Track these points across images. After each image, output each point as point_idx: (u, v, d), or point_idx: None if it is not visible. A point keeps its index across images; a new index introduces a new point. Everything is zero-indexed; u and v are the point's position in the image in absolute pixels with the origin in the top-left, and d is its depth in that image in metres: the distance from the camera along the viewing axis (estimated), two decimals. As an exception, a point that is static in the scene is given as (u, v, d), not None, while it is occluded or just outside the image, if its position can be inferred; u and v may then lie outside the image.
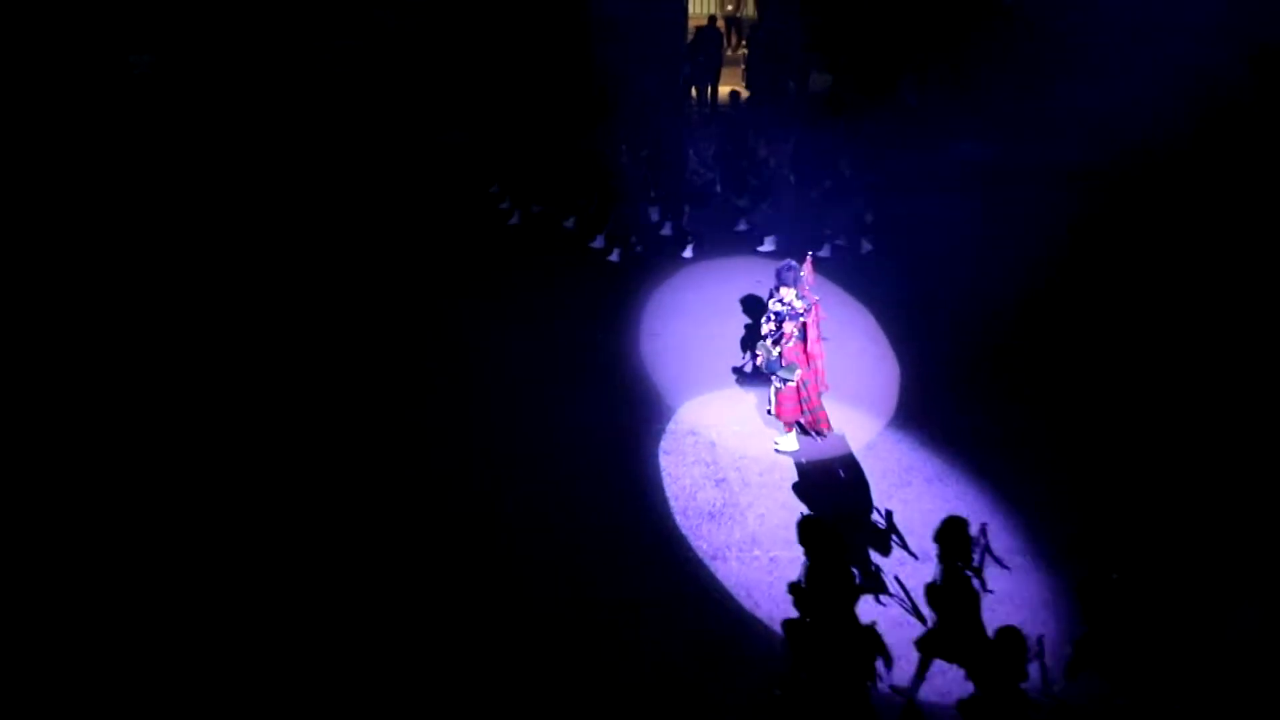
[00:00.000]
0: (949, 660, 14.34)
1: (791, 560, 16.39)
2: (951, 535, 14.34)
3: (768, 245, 26.95)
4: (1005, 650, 12.98)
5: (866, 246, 26.91)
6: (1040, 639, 13.33)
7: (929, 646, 14.62)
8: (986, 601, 14.59)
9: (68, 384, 22.61)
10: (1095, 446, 19.98)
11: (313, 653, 15.73)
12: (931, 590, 14.61)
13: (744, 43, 38.84)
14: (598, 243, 28.37)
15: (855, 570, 14.20)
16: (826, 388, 19.55)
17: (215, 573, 17.31)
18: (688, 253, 27.58)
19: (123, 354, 23.72)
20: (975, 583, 14.40)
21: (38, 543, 17.86)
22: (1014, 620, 14.08)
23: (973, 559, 14.57)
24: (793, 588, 14.19)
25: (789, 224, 27.02)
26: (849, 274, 25.45)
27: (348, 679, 15.30)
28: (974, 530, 14.54)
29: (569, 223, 29.60)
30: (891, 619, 15.67)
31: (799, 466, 19.16)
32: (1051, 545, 17.35)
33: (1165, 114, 29.58)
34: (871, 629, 13.55)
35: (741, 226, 28.56)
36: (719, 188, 29.91)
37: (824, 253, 25.51)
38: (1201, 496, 18.55)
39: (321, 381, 22.57)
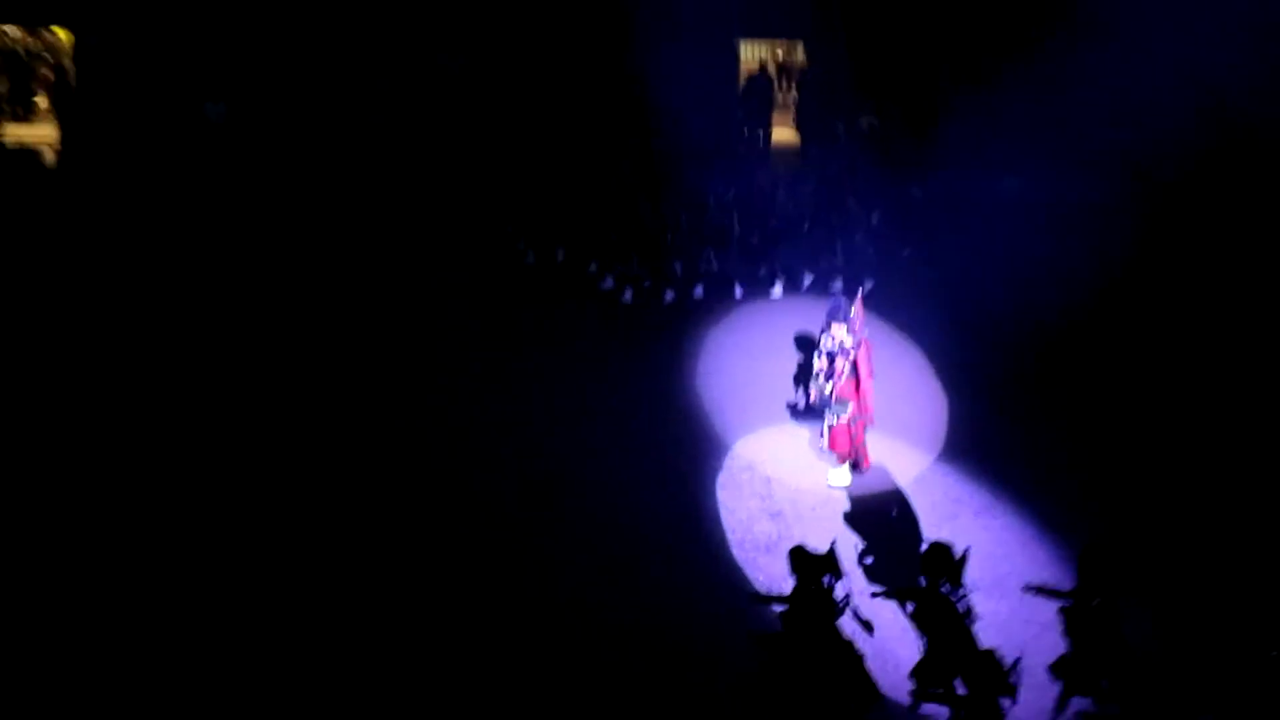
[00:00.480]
0: (940, 684, 15.18)
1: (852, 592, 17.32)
2: (936, 561, 15.48)
3: (779, 291, 28.20)
4: (988, 671, 13.76)
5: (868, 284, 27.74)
6: (1018, 660, 14.42)
7: (922, 671, 15.44)
8: (1033, 630, 15.73)
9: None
10: (1128, 466, 20.90)
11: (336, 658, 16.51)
12: (919, 614, 15.78)
13: (794, 88, 39.88)
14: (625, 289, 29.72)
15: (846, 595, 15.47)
16: (873, 423, 20.38)
17: (220, 574, 18.18)
18: (739, 293, 28.73)
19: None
20: (960, 605, 15.26)
21: (39, 543, 18.72)
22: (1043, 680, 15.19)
23: (961, 583, 15.44)
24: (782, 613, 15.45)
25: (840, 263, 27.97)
26: (894, 308, 26.08)
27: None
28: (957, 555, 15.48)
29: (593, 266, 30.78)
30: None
31: (851, 500, 19.94)
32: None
33: (1191, 151, 30.73)
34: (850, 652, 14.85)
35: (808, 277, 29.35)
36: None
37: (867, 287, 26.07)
38: (1246, 522, 19.02)
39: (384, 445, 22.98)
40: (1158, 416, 22.49)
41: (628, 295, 29.54)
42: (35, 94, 42.89)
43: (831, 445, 20.15)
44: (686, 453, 21.73)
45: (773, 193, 32.34)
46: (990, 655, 14.72)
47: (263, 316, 28.39)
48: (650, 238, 30.84)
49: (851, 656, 15.34)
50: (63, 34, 42.37)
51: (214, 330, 27.34)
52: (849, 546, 18.24)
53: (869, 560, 18.27)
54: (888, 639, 16.49)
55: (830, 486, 20.10)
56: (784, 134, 37.69)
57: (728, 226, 30.99)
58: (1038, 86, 32.09)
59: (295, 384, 24.84)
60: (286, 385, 24.82)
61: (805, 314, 24.15)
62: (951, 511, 19.61)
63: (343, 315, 28.53)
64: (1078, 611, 15.32)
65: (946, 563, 15.68)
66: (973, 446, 21.54)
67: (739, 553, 18.85)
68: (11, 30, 42.82)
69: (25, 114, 42.13)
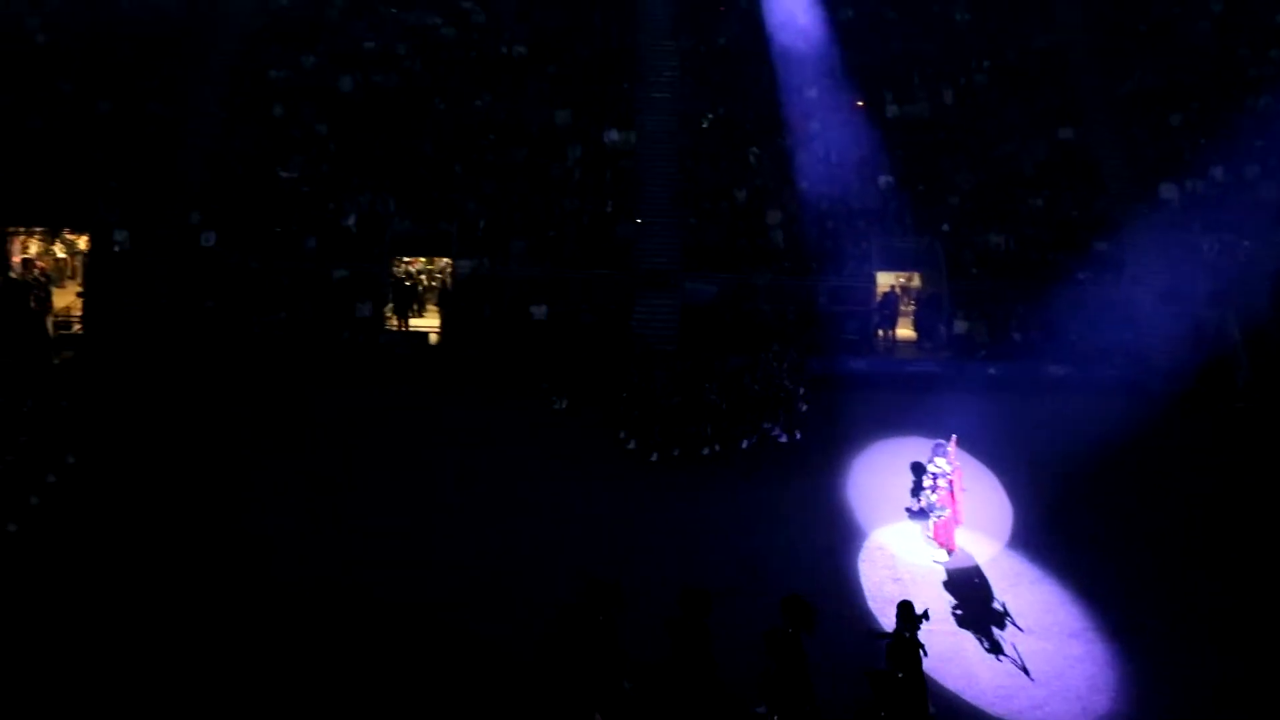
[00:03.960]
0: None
1: (945, 632, 25.08)
2: (905, 614, 21.83)
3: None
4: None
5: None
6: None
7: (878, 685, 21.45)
8: (1069, 662, 23.74)
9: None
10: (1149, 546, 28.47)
11: None
12: (890, 650, 21.61)
13: (913, 302, 44.90)
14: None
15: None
16: (961, 522, 28.14)
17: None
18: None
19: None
20: (921, 650, 21.57)
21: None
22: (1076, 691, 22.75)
23: (918, 630, 21.69)
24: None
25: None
26: (975, 449, 31.78)
27: None
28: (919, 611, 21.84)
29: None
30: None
31: (948, 571, 27.42)
32: (1112, 627, 25.25)
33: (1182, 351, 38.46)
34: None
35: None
36: None
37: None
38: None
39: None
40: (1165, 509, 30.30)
41: (654, 457, 33.97)
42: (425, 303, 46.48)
43: (935, 536, 28.18)
44: (840, 538, 28.83)
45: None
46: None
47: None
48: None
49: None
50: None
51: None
52: (946, 602, 26.04)
53: (959, 613, 25.73)
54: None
55: (935, 562, 27.79)
56: (905, 332, 43.43)
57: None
58: (1070, 312, 39.92)
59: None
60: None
61: (917, 453, 30.70)
62: (1014, 580, 27.12)
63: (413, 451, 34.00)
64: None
65: (910, 616, 21.99)
66: (1029, 539, 28.87)
67: (872, 605, 26.13)
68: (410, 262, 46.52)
69: (417, 313, 45.43)
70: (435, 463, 33.11)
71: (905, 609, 21.97)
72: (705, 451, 33.53)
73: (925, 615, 22.03)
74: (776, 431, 34.36)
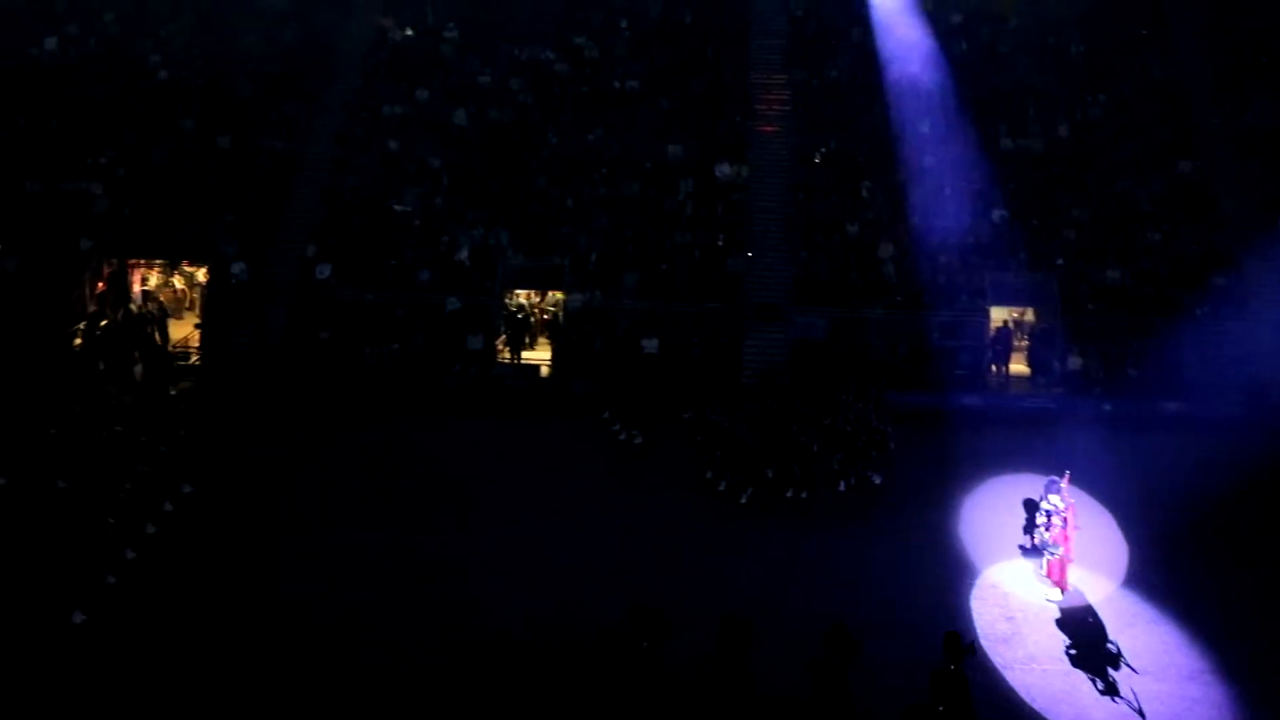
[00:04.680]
0: None
1: (1059, 672, 24.88)
2: (950, 645, 21.67)
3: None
4: None
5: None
6: None
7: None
8: (1186, 704, 23.42)
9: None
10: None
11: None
12: (934, 681, 21.37)
13: (1026, 337, 44.22)
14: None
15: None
16: (1074, 560, 27.74)
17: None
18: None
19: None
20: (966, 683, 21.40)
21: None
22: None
23: (963, 659, 21.54)
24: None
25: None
26: (1090, 484, 30.88)
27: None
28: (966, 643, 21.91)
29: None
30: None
31: (1062, 610, 27.08)
32: (1231, 669, 24.79)
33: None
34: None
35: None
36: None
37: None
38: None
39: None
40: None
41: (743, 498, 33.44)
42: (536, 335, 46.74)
43: (1048, 574, 27.85)
44: (952, 576, 28.61)
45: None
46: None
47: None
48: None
49: None
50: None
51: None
52: (1059, 642, 25.75)
53: (1073, 653, 25.39)
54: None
55: (1047, 600, 27.45)
56: (1018, 367, 42.92)
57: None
58: (1188, 348, 39.40)
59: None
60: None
61: (1030, 489, 30.25)
62: (1130, 620, 26.73)
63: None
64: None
65: (956, 647, 21.86)
66: (1145, 578, 28.40)
67: (985, 642, 25.75)
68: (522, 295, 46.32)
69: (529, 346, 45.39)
70: (518, 493, 33.44)
71: (951, 640, 21.82)
72: (790, 494, 32.86)
73: (972, 647, 22.07)
74: (870, 473, 33.52)
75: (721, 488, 33.28)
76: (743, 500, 32.85)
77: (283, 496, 32.92)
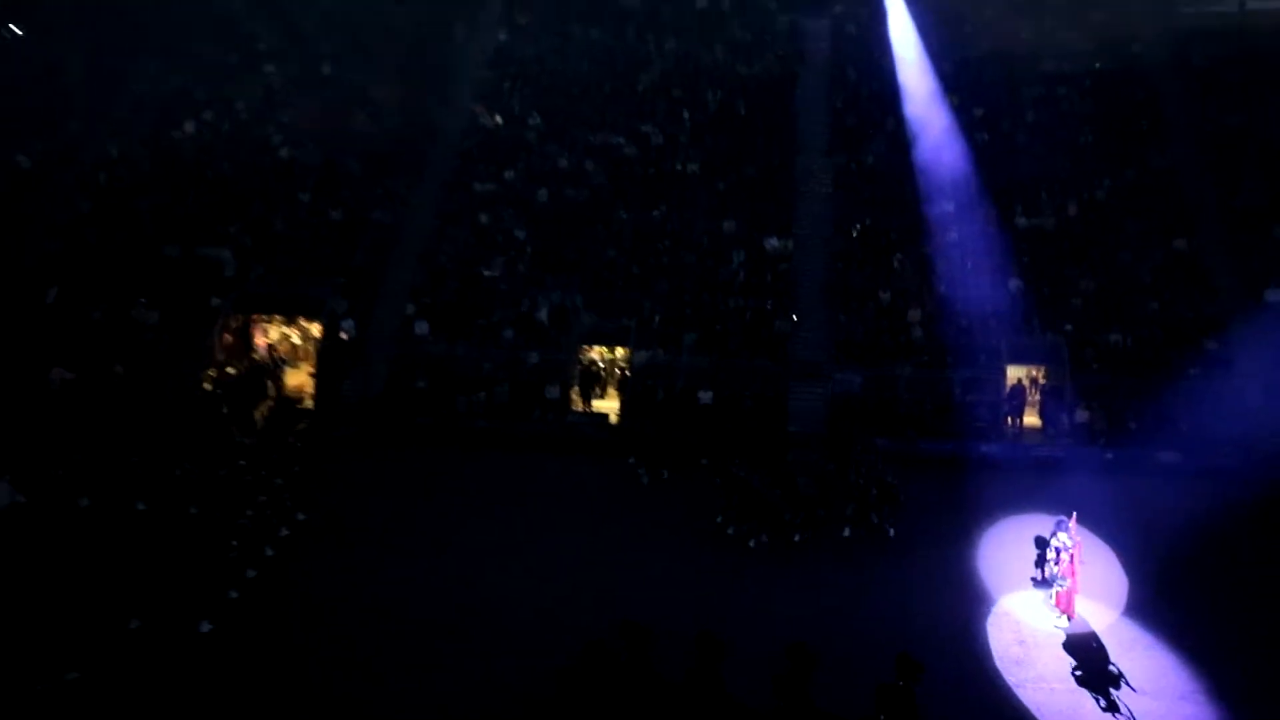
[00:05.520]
0: None
1: (1065, 691, 25.10)
2: (901, 664, 20.98)
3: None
4: None
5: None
6: None
7: None
8: None
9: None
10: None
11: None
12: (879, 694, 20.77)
13: (1038, 393, 43.40)
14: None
15: None
16: (1078, 590, 27.91)
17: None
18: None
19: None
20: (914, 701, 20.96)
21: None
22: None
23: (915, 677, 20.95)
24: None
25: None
26: (1094, 525, 31.26)
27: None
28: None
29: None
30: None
31: (1069, 635, 27.30)
32: (1220, 690, 25.06)
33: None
34: None
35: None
36: None
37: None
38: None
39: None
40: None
41: (752, 543, 33.08)
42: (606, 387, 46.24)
43: (1057, 603, 28.08)
44: (968, 604, 28.87)
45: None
46: None
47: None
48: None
49: None
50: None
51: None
52: (1066, 664, 25.97)
53: (1078, 673, 25.67)
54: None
55: (1056, 626, 27.67)
56: (1031, 420, 42.60)
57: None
58: (1183, 404, 39.07)
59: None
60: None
61: (1041, 528, 30.36)
62: (1129, 645, 26.91)
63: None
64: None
65: (908, 667, 21.25)
66: (1143, 608, 28.54)
67: (999, 664, 26.27)
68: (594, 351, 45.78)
69: (600, 396, 45.17)
70: (566, 519, 34.21)
71: (902, 659, 21.35)
72: (797, 538, 32.56)
73: (920, 668, 21.36)
74: (880, 522, 33.09)
75: (730, 532, 32.90)
76: (751, 545, 32.49)
77: (383, 523, 33.47)
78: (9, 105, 54.86)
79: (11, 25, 59.65)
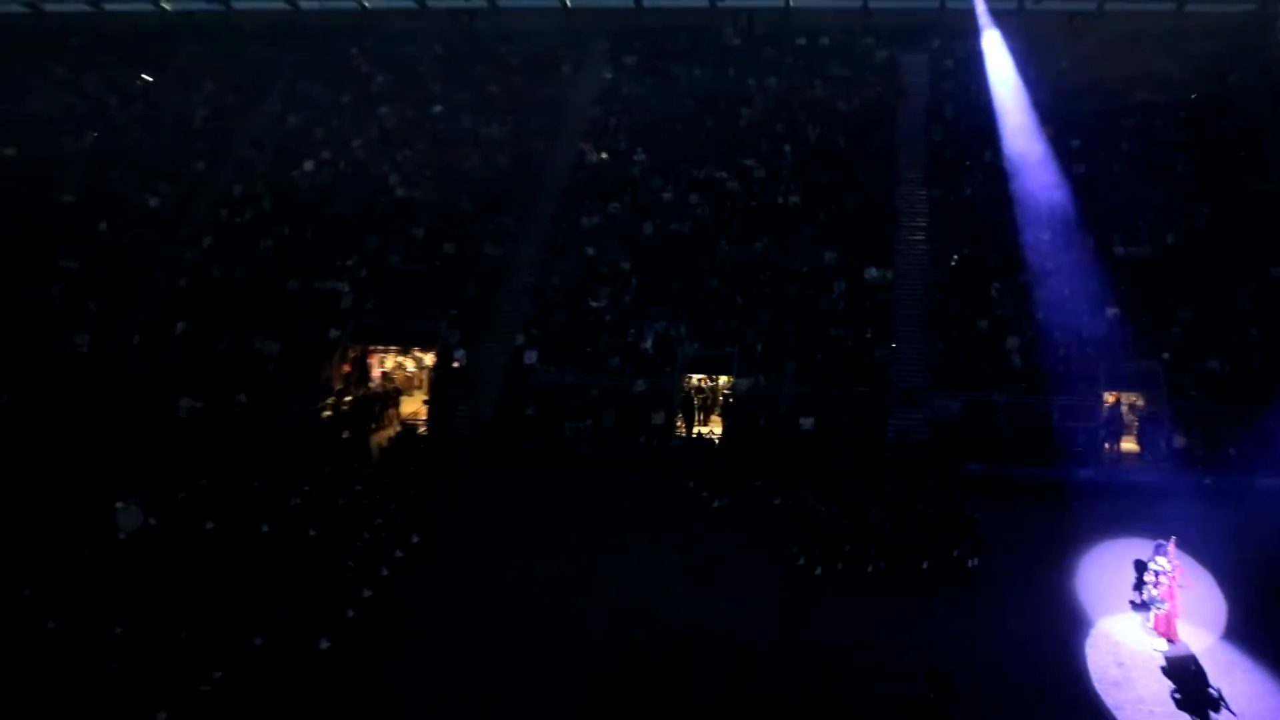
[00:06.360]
0: None
1: (1164, 714, 24.77)
2: (932, 678, 22.06)
3: None
4: None
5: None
6: None
7: None
8: None
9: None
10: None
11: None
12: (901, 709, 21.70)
13: (1136, 419, 42.73)
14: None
15: None
16: (1179, 615, 27.55)
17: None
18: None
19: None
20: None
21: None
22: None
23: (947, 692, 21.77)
24: None
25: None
26: (1194, 550, 30.73)
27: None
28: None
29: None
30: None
31: (1168, 659, 26.86)
32: None
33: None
34: None
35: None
36: None
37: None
38: None
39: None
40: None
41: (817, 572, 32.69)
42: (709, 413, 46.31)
43: (1155, 626, 27.71)
44: (1070, 626, 28.48)
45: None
46: None
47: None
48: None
49: None
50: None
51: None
52: (1165, 687, 25.58)
53: (1177, 696, 25.23)
54: None
55: (1155, 649, 27.27)
56: (1129, 445, 41.77)
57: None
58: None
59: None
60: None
61: (1140, 552, 29.89)
62: (1228, 669, 26.37)
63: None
64: None
65: (943, 681, 22.14)
66: (1242, 631, 27.97)
67: (1098, 686, 25.94)
68: (697, 378, 45.98)
69: (703, 422, 45.30)
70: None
71: (933, 673, 22.12)
72: (870, 569, 31.93)
73: (950, 683, 22.21)
74: (960, 554, 32.28)
75: (801, 562, 32.37)
76: (816, 572, 32.00)
77: (493, 546, 33.99)
78: (140, 149, 57.33)
79: (144, 75, 61.67)
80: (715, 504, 37.52)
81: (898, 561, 32.18)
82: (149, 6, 66.26)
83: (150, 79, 62.77)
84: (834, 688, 22.38)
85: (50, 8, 66.60)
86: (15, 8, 66.59)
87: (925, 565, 32.11)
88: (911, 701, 22.19)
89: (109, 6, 66.26)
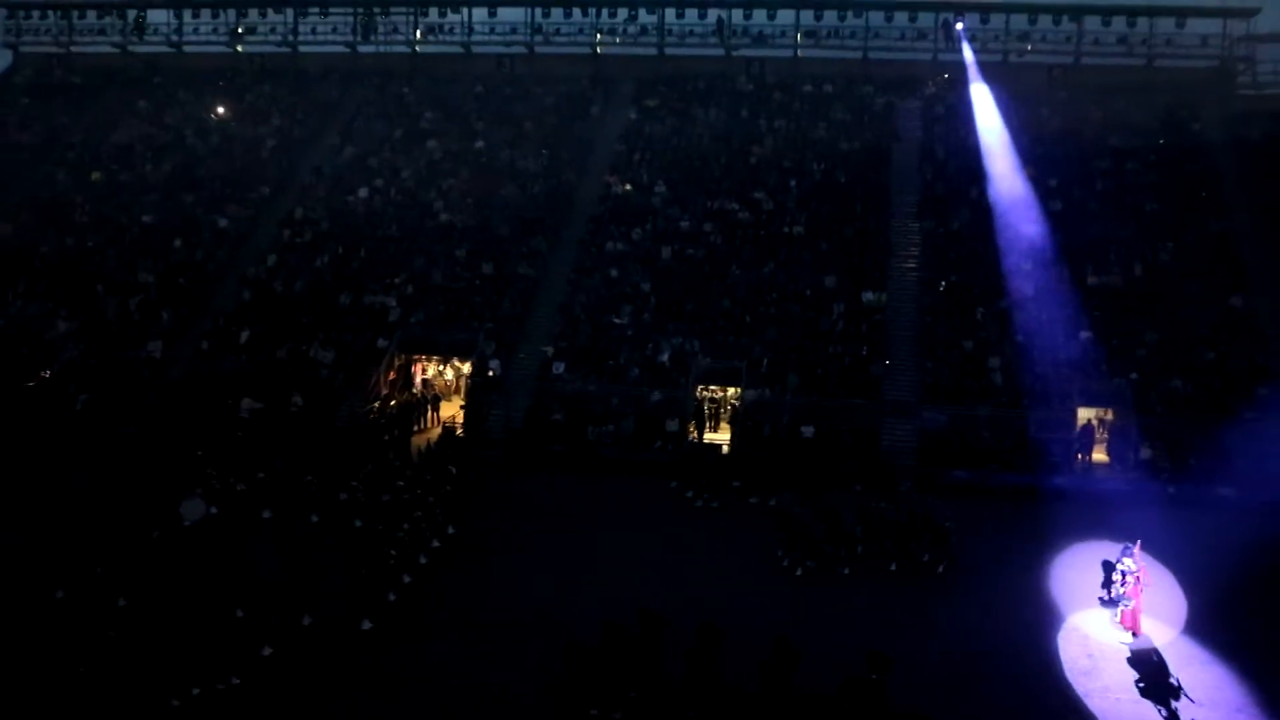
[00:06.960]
0: None
1: (1129, 700, 24.38)
2: (873, 660, 21.84)
3: None
4: None
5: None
6: None
7: None
8: None
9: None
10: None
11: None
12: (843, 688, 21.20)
13: (1106, 432, 42.66)
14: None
15: None
16: (1142, 610, 27.09)
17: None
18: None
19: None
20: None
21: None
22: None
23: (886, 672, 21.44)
24: None
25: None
26: (1158, 552, 29.81)
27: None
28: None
29: None
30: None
31: (1133, 650, 26.40)
32: (1272, 704, 24.08)
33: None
34: None
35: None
36: None
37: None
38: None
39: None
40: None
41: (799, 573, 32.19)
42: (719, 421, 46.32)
43: (1122, 621, 27.21)
44: (1043, 620, 28.04)
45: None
46: None
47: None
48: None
49: None
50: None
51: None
52: (1130, 676, 25.16)
53: (1140, 685, 24.79)
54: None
55: (1121, 642, 26.81)
56: (1099, 456, 41.53)
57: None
58: (1238, 444, 36.91)
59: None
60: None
61: (1108, 553, 29.38)
62: (1188, 661, 25.93)
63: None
64: None
65: (883, 662, 21.92)
66: (1201, 627, 27.50)
67: (1069, 674, 25.50)
68: (709, 389, 46.53)
69: (713, 429, 45.42)
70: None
71: (873, 655, 21.92)
72: (845, 571, 31.17)
73: (890, 662, 22.07)
74: (937, 563, 31.53)
75: (785, 564, 31.68)
76: (798, 573, 31.32)
77: (522, 537, 33.84)
78: (213, 175, 57.59)
79: (218, 109, 61.81)
80: (698, 504, 37.08)
81: (865, 563, 31.61)
82: (224, 49, 66.87)
83: (223, 113, 62.96)
84: (794, 667, 22.20)
85: (136, 49, 67.18)
86: (106, 48, 67.53)
87: (893, 567, 31.46)
88: (853, 682, 21.83)
89: (189, 48, 67.00)
